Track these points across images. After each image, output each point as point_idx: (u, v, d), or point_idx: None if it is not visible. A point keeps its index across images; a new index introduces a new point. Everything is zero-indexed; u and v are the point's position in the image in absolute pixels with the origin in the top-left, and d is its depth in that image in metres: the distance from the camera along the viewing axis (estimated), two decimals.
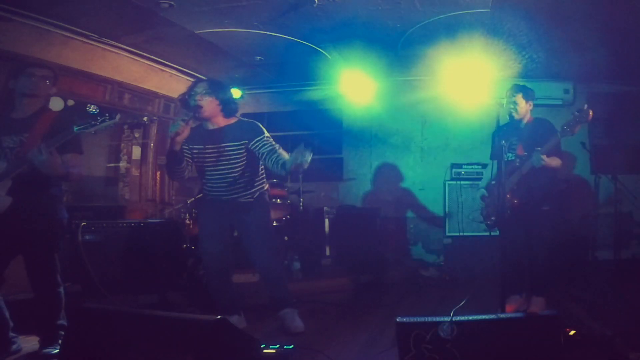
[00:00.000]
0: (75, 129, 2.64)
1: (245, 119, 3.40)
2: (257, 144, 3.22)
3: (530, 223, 3.49)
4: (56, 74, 2.90)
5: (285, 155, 3.13)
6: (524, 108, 3.51)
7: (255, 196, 3.36)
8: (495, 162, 3.75)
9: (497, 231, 3.60)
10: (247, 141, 3.23)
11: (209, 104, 3.18)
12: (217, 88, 3.23)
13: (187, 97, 3.22)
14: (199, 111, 3.15)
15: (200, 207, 3.51)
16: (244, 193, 3.32)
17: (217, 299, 3.43)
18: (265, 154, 3.19)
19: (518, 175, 3.43)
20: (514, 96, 3.49)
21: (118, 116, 2.72)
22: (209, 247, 3.37)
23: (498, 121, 3.18)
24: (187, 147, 3.28)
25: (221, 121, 3.29)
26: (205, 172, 3.32)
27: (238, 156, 3.25)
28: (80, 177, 2.86)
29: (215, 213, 3.36)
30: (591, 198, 5.37)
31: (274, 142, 3.26)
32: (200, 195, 3.82)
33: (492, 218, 3.64)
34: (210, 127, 3.29)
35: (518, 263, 3.48)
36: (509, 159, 3.45)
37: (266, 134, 3.28)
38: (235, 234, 3.61)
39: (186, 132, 3.06)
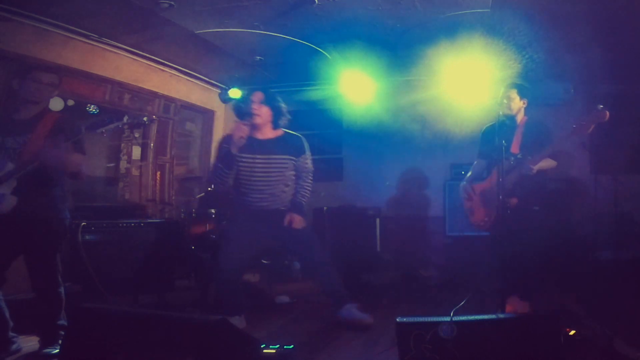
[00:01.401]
0: (83, 129, 2.67)
1: (291, 132, 3.51)
2: (301, 162, 3.45)
3: (523, 223, 3.46)
4: (61, 78, 2.91)
5: (308, 186, 3.50)
6: (517, 105, 3.47)
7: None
8: (482, 161, 3.78)
9: (495, 232, 3.59)
10: (294, 157, 3.41)
11: (264, 113, 3.33)
12: (274, 99, 3.39)
13: (242, 104, 3.37)
14: (254, 119, 3.28)
15: (238, 216, 3.53)
16: (286, 202, 3.42)
17: (225, 300, 3.43)
18: (304, 174, 3.47)
19: (516, 175, 3.40)
20: (509, 91, 3.48)
21: (126, 117, 2.76)
22: (237, 253, 3.36)
23: (499, 121, 3.17)
24: (236, 154, 3.31)
25: (269, 132, 3.40)
26: (250, 181, 3.36)
27: (285, 169, 3.38)
28: (86, 178, 2.88)
29: (255, 222, 3.38)
30: (590, 198, 5.37)
31: (310, 163, 3.51)
32: (203, 197, 3.81)
33: (485, 219, 3.62)
34: (260, 136, 3.37)
35: (516, 263, 3.47)
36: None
37: (308, 151, 3.49)
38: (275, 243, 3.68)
39: (245, 137, 3.18)
